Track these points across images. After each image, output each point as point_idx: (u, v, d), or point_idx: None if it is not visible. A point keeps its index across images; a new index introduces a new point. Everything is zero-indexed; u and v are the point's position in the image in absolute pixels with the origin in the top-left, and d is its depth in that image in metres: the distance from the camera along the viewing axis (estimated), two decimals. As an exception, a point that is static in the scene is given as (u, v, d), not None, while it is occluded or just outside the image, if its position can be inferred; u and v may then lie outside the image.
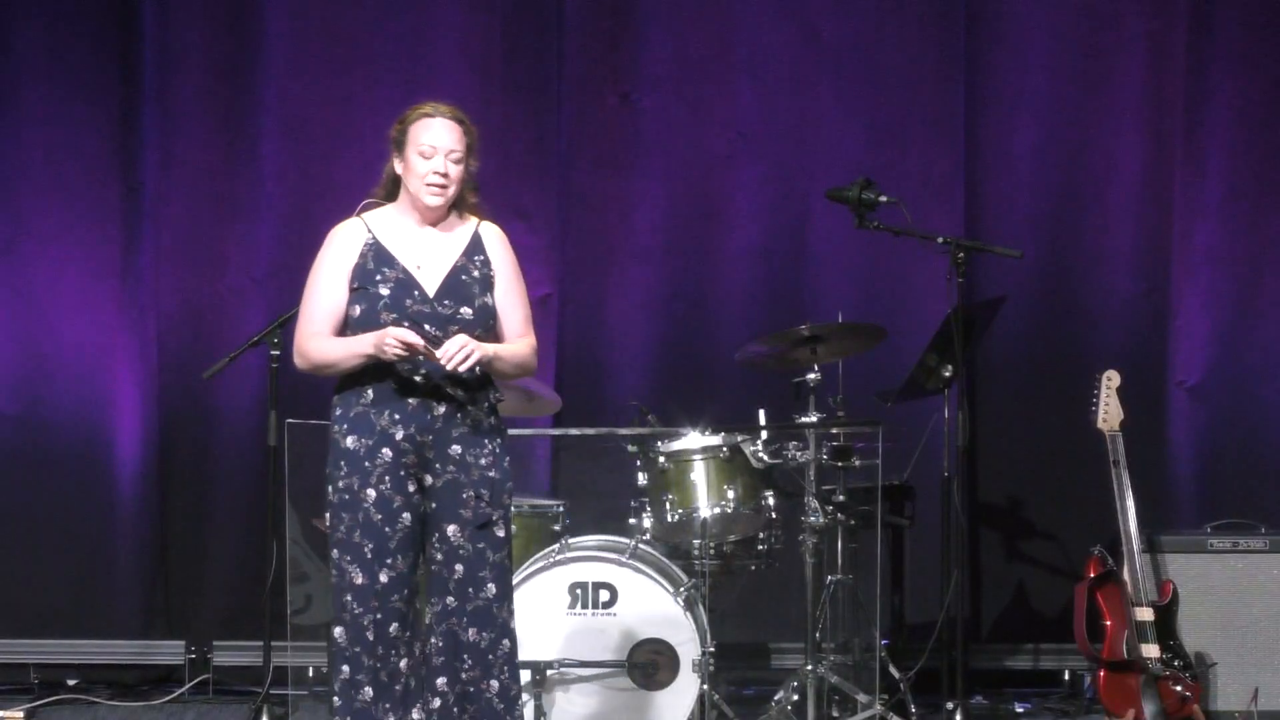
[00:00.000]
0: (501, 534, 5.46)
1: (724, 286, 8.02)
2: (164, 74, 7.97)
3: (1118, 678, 6.87)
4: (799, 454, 6.89)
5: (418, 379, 5.38)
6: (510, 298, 5.53)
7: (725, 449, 6.87)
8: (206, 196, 8.01)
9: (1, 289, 7.99)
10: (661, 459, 6.88)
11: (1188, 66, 7.91)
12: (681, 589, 6.61)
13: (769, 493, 6.91)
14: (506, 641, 5.45)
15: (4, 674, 7.91)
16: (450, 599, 5.41)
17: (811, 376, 6.89)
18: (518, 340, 5.52)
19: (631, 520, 6.93)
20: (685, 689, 6.54)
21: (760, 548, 6.97)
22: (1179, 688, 6.86)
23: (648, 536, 6.85)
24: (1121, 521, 6.91)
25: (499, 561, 5.44)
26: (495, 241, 5.56)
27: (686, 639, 6.54)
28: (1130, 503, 6.92)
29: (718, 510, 6.84)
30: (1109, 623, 6.89)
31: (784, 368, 7.08)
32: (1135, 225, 7.99)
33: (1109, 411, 6.99)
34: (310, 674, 7.74)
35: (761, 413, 6.99)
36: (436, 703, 5.44)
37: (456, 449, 5.41)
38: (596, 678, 6.56)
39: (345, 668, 5.39)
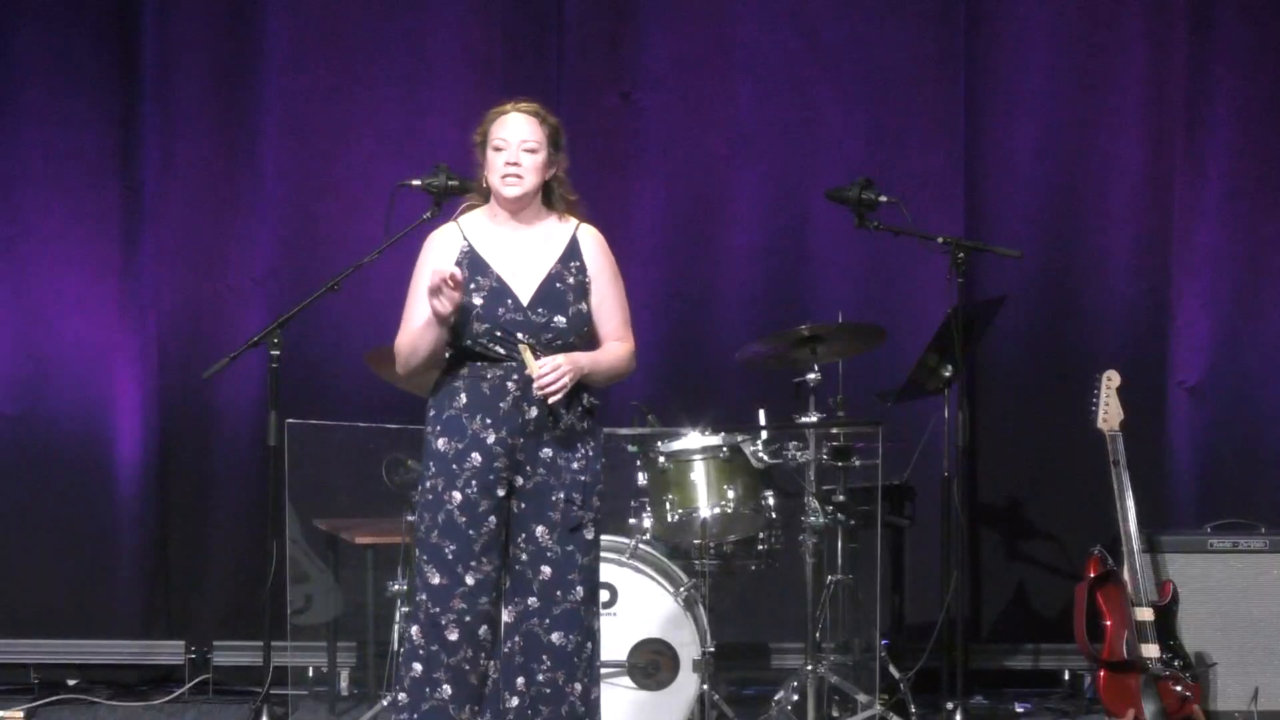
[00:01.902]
0: (590, 536, 5.48)
1: (724, 286, 8.02)
2: (164, 74, 7.97)
3: (1118, 678, 6.87)
4: (799, 454, 6.89)
5: (510, 384, 5.38)
6: (608, 302, 5.53)
7: (725, 449, 6.87)
8: (206, 196, 8.01)
9: (1, 289, 7.99)
10: (661, 459, 6.88)
11: (1188, 66, 7.91)
12: (681, 589, 6.61)
13: (769, 493, 6.91)
14: (590, 645, 5.46)
15: (4, 674, 7.91)
16: (534, 600, 5.41)
17: (811, 376, 6.90)
18: (613, 345, 5.53)
19: (631, 520, 6.93)
20: (685, 689, 6.54)
21: (760, 548, 6.96)
22: (1179, 688, 6.86)
23: (648, 536, 6.85)
24: (1121, 521, 6.91)
25: (588, 564, 5.46)
26: (593, 245, 5.55)
27: (686, 639, 6.54)
28: (1130, 503, 6.92)
29: (718, 510, 6.83)
30: (1109, 623, 6.89)
31: (784, 368, 7.08)
32: (1135, 225, 7.99)
33: (1109, 411, 6.99)
34: (310, 674, 7.74)
35: (761, 413, 7.00)
36: (514, 702, 5.43)
37: (548, 452, 5.43)
38: (596, 678, 6.56)
39: (418, 665, 5.40)
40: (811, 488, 6.88)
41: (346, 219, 7.91)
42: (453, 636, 5.37)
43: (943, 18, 7.99)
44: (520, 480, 5.42)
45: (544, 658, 5.40)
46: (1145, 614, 6.89)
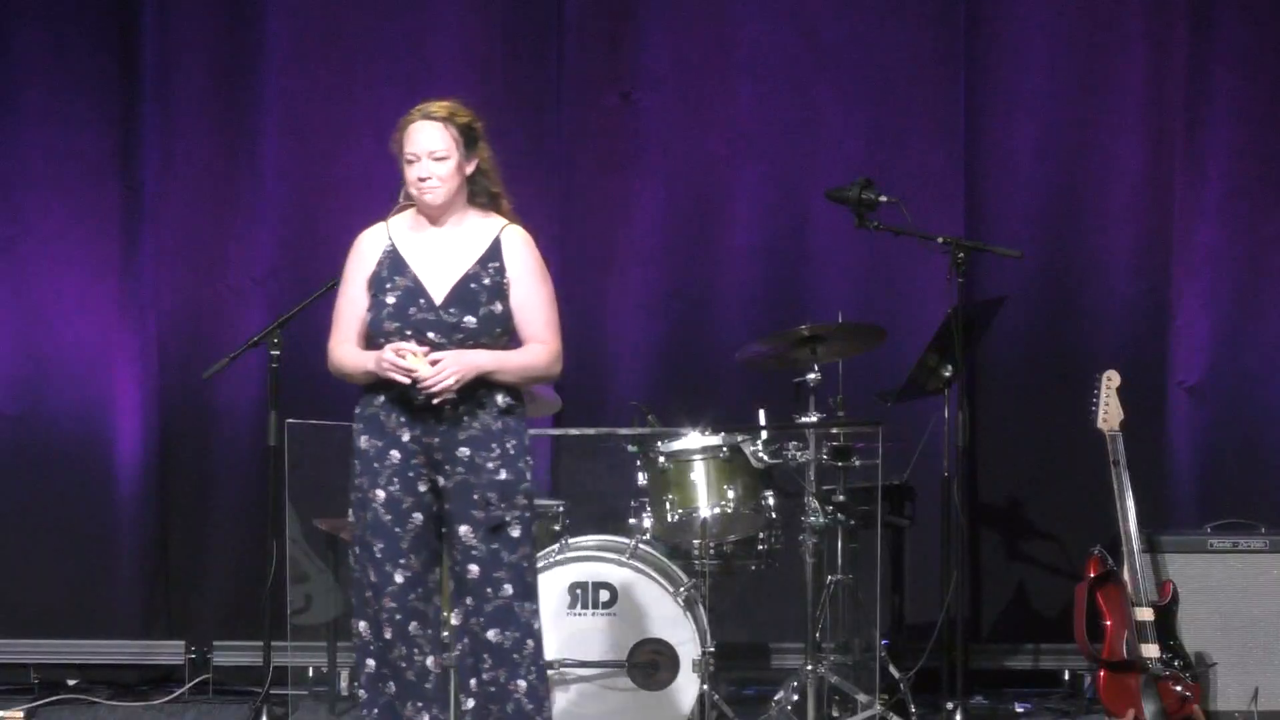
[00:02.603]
0: (517, 534, 5.48)
1: (724, 286, 8.02)
2: (164, 74, 7.97)
3: (1118, 678, 6.87)
4: (799, 454, 6.89)
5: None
6: (529, 303, 5.53)
7: (725, 449, 6.87)
8: (206, 196, 8.01)
9: (1, 289, 7.99)
10: (661, 459, 6.88)
11: (1188, 66, 7.90)
12: (681, 589, 6.61)
13: (769, 493, 6.92)
14: (531, 641, 5.48)
15: (4, 674, 7.91)
16: (469, 599, 5.46)
17: (811, 376, 6.89)
18: (533, 346, 5.52)
19: (631, 520, 6.93)
20: (685, 689, 6.54)
21: (760, 548, 6.97)
22: (1179, 688, 6.86)
23: (648, 536, 6.85)
24: (1121, 521, 6.91)
25: (516, 562, 5.46)
26: (516, 245, 5.55)
27: (686, 639, 6.54)
28: (1130, 503, 6.92)
29: (718, 510, 6.84)
30: (1109, 623, 6.89)
31: (784, 368, 7.08)
32: (1135, 225, 7.99)
33: (1109, 411, 6.99)
34: (310, 674, 7.74)
35: (761, 413, 7.00)
36: (470, 703, 5.48)
37: (465, 451, 5.44)
38: (596, 678, 6.57)
39: (370, 661, 5.46)
40: (811, 488, 6.88)
41: (346, 219, 7.87)
42: (388, 634, 5.43)
43: (943, 18, 7.99)
44: (442, 480, 5.46)
45: (485, 656, 5.45)
46: (1145, 614, 6.89)
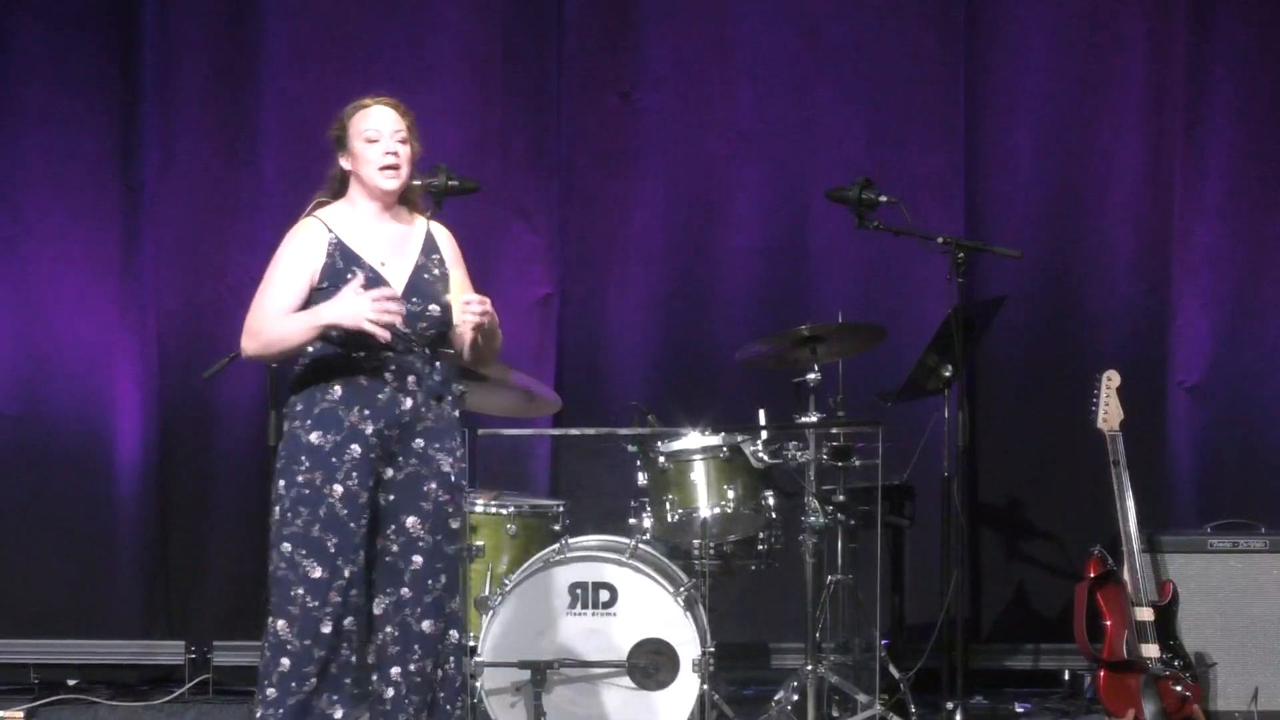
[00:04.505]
0: (456, 526, 5.52)
1: (724, 286, 8.02)
2: (164, 74, 7.97)
3: (1118, 678, 6.87)
4: (799, 454, 6.89)
5: (388, 374, 5.40)
6: (467, 293, 5.55)
7: (725, 449, 6.87)
8: (206, 196, 8.01)
9: (1, 289, 7.99)
10: (661, 459, 6.88)
11: (1188, 66, 7.91)
12: (681, 589, 6.61)
13: (769, 493, 6.92)
14: (454, 632, 5.53)
15: (4, 674, 7.91)
16: (405, 590, 5.46)
17: (811, 376, 6.89)
18: None
19: (631, 520, 6.93)
20: (685, 689, 6.53)
21: (760, 548, 6.97)
22: (1179, 688, 6.86)
23: (648, 536, 6.85)
24: (1121, 521, 6.91)
25: (454, 554, 5.52)
26: (446, 240, 5.62)
27: (686, 639, 6.54)
28: (1130, 503, 6.92)
29: (718, 510, 6.84)
30: (1109, 623, 6.89)
31: (784, 368, 7.08)
32: (1135, 225, 7.99)
33: (1109, 411, 6.99)
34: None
35: (761, 413, 6.99)
36: (390, 693, 5.48)
37: (420, 443, 5.46)
38: (596, 678, 6.56)
39: (286, 660, 5.41)
40: (811, 488, 6.87)
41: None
42: (326, 630, 5.39)
43: (943, 18, 7.99)
44: (390, 472, 5.45)
45: (416, 647, 5.46)
46: (1145, 614, 6.89)
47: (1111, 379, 7.04)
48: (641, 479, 6.95)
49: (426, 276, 5.51)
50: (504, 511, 6.92)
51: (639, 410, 7.06)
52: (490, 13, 8.01)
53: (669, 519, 6.86)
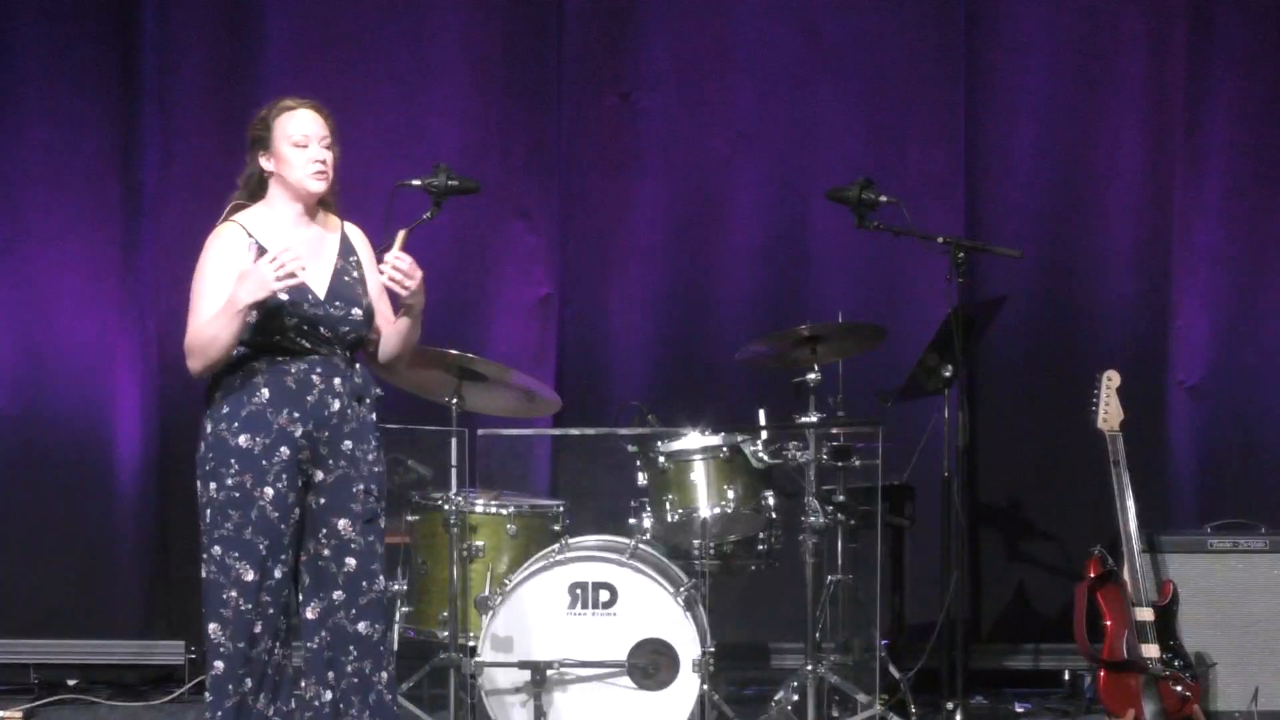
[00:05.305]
0: (383, 524, 5.55)
1: (724, 286, 8.02)
2: (164, 74, 7.97)
3: (1118, 678, 6.87)
4: (799, 454, 6.89)
5: (315, 376, 5.40)
6: (380, 294, 5.58)
7: (725, 449, 6.87)
8: (206, 196, 7.96)
9: (1, 289, 7.99)
10: (661, 459, 6.88)
11: (1188, 66, 7.91)
12: (681, 589, 6.61)
13: (769, 493, 6.92)
14: (389, 633, 5.57)
15: (4, 674, 7.91)
16: (339, 593, 5.46)
17: (811, 376, 6.89)
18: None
19: (631, 520, 6.93)
20: (685, 689, 6.54)
21: (760, 548, 6.97)
22: (1179, 688, 6.86)
23: (648, 536, 6.85)
24: (1121, 521, 6.91)
25: (382, 554, 5.53)
26: (361, 241, 5.62)
27: (686, 639, 6.54)
28: (1130, 503, 6.92)
29: (718, 510, 6.84)
30: (1109, 623, 6.89)
31: (784, 368, 7.08)
32: (1135, 225, 8.00)
33: (1109, 411, 6.99)
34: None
35: (761, 413, 6.99)
36: (328, 695, 5.49)
37: (348, 444, 5.46)
38: (596, 678, 6.56)
39: (220, 664, 5.42)
40: (811, 488, 6.87)
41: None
42: (258, 630, 5.40)
43: (943, 18, 7.99)
44: (320, 474, 5.45)
45: (351, 649, 5.46)
46: (1145, 614, 6.89)
47: (1111, 379, 7.04)
48: (641, 479, 6.95)
49: (346, 279, 5.51)
50: (504, 511, 6.92)
51: (639, 410, 7.06)
52: (490, 13, 8.01)
53: (669, 519, 6.86)
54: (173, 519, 7.98)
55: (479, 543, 6.84)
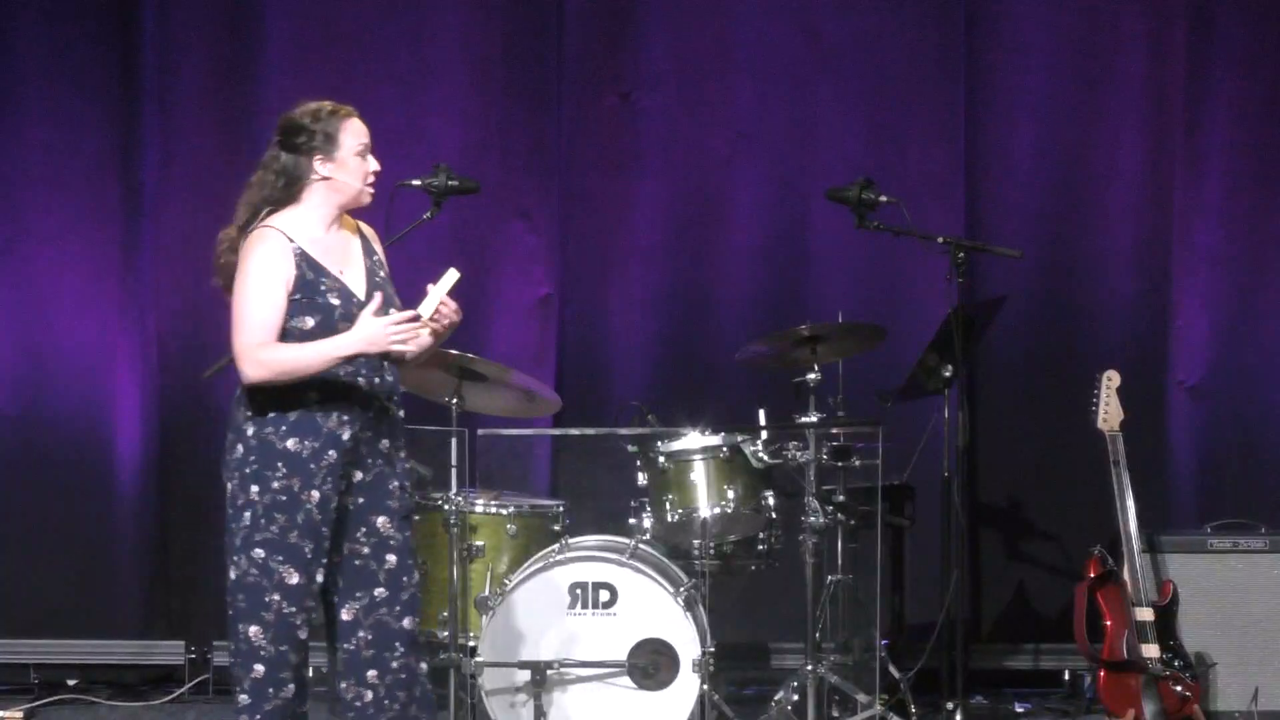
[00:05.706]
0: (411, 519, 5.56)
1: (724, 286, 8.02)
2: (164, 74, 7.97)
3: (1118, 678, 6.87)
4: (799, 454, 6.88)
5: (360, 379, 5.39)
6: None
7: (725, 449, 6.87)
8: (206, 196, 8.00)
9: (1, 289, 7.99)
10: (661, 459, 6.88)
11: (1188, 66, 7.91)
12: (681, 589, 6.61)
13: (769, 493, 6.91)
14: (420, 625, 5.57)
15: (4, 674, 7.91)
16: (380, 590, 5.44)
17: (811, 376, 6.89)
18: None
19: (631, 520, 6.93)
20: (685, 689, 6.54)
21: (760, 548, 6.97)
22: (1179, 688, 6.86)
23: (648, 536, 6.85)
24: (1121, 521, 6.91)
25: (415, 549, 5.55)
26: (376, 241, 5.61)
27: (686, 639, 6.54)
28: (1130, 503, 6.92)
29: (718, 510, 6.84)
30: (1109, 623, 6.89)
31: (784, 368, 7.08)
32: (1135, 225, 8.00)
33: (1109, 411, 6.99)
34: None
35: (761, 413, 6.99)
36: (369, 696, 5.47)
37: (385, 443, 5.47)
38: (596, 678, 6.56)
39: (260, 666, 5.41)
40: (811, 488, 6.87)
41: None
42: (303, 635, 5.41)
43: (943, 18, 7.99)
44: (360, 474, 5.44)
45: (397, 644, 5.45)
46: (1145, 614, 6.89)
47: (1111, 379, 7.04)
48: (641, 479, 6.95)
49: (377, 279, 5.49)
50: (504, 511, 6.92)
51: (639, 410, 7.06)
52: (490, 13, 8.01)
53: (669, 519, 6.86)
54: (173, 519, 7.99)
55: (479, 543, 6.84)
